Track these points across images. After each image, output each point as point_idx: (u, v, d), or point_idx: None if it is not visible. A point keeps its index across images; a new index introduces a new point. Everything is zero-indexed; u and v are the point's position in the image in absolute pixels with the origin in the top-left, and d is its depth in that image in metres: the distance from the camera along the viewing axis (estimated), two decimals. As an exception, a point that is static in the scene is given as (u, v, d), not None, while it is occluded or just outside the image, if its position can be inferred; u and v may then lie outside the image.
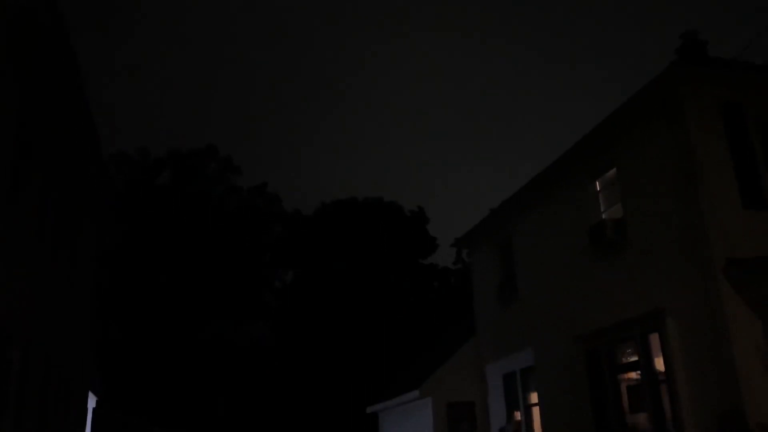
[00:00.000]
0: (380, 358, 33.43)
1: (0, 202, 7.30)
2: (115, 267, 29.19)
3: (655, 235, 10.57)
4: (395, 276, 37.99)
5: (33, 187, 8.88)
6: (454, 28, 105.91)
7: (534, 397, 14.32)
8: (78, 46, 8.82)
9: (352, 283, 36.43)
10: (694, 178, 9.78)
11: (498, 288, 15.96)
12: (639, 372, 10.89)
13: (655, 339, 10.36)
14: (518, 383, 14.88)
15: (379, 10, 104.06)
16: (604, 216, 12.11)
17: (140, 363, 29.53)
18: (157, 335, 30.80)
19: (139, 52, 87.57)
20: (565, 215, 13.08)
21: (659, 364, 10.31)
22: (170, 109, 79.63)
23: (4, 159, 7.41)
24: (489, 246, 16.60)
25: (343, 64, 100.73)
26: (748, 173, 9.97)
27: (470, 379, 16.76)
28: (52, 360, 10.39)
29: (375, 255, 37.91)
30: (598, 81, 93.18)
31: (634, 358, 10.99)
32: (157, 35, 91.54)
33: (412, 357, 27.14)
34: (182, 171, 37.55)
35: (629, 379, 11.38)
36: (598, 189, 12.41)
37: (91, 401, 16.15)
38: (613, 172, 11.85)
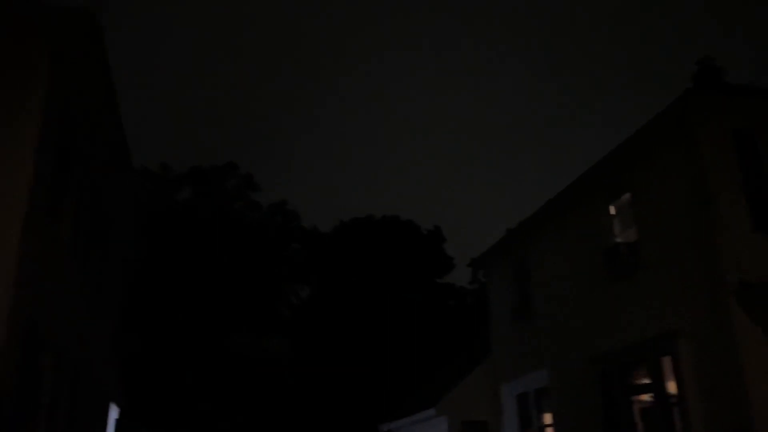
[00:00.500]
0: (394, 376, 33.53)
1: (39, 213, 7.75)
2: (136, 279, 29.74)
3: (668, 258, 10.76)
4: (411, 294, 38.17)
5: (70, 199, 9.35)
6: (480, 51, 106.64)
7: (548, 418, 14.44)
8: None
9: (368, 301, 36.67)
10: (707, 203, 9.99)
11: (513, 308, 16.15)
12: (652, 394, 11.04)
13: (667, 361, 10.51)
14: (532, 403, 15.01)
15: (401, 31, 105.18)
16: (618, 239, 12.32)
17: (160, 375, 29.93)
18: (177, 348, 31.22)
19: (162, 70, 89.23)
20: (581, 237, 13.30)
21: (672, 386, 10.45)
22: (192, 125, 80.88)
23: (45, 172, 7.89)
24: (505, 267, 16.81)
25: (366, 85, 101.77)
26: (759, 198, 10.16)
27: (485, 399, 16.91)
28: (80, 369, 10.77)
29: (391, 273, 38.15)
30: (619, 101, 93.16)
31: (647, 381, 11.13)
32: (180, 55, 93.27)
33: (426, 376, 27.26)
34: (203, 187, 38.23)
35: (642, 401, 11.52)
36: (613, 212, 12.63)
37: (113, 412, 16.51)
38: (627, 196, 12.08)
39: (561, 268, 14.07)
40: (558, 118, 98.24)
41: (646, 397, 11.40)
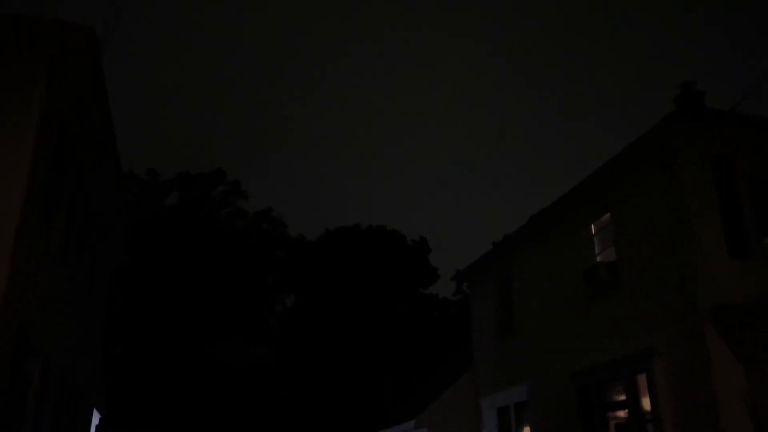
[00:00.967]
0: (378, 386, 33.66)
1: (33, 220, 7.89)
2: (120, 284, 29.70)
3: (646, 278, 11.07)
4: (395, 304, 38.37)
5: (63, 207, 9.49)
6: (461, 63, 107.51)
7: (527, 432, 14.69)
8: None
9: (352, 310, 36.81)
10: (684, 226, 10.31)
11: (496, 322, 16.41)
12: (627, 411, 11.31)
13: (642, 379, 10.80)
14: (512, 417, 15.24)
15: (380, 41, 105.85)
16: (598, 258, 12.63)
17: (143, 381, 29.85)
18: (160, 354, 31.17)
19: (150, 74, 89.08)
20: (562, 255, 13.60)
21: (646, 403, 10.73)
22: (180, 132, 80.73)
23: (41, 180, 8.04)
24: (489, 281, 17.08)
25: (351, 94, 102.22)
26: (734, 223, 10.49)
27: (466, 411, 17.09)
28: (66, 375, 10.86)
29: (376, 282, 38.34)
30: (607, 118, 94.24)
31: (623, 397, 11.41)
32: (170, 61, 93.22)
33: (409, 386, 27.43)
34: (190, 193, 38.29)
35: (618, 417, 11.79)
36: (594, 232, 12.95)
37: (95, 418, 16.53)
38: (607, 216, 12.40)
39: (543, 284, 14.35)
40: (547, 128, 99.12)
41: (622, 414, 11.68)
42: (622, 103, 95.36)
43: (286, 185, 78.66)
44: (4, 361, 7.31)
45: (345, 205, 77.51)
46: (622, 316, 11.48)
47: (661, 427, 10.21)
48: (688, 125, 10.98)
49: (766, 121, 11.48)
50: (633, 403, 11.01)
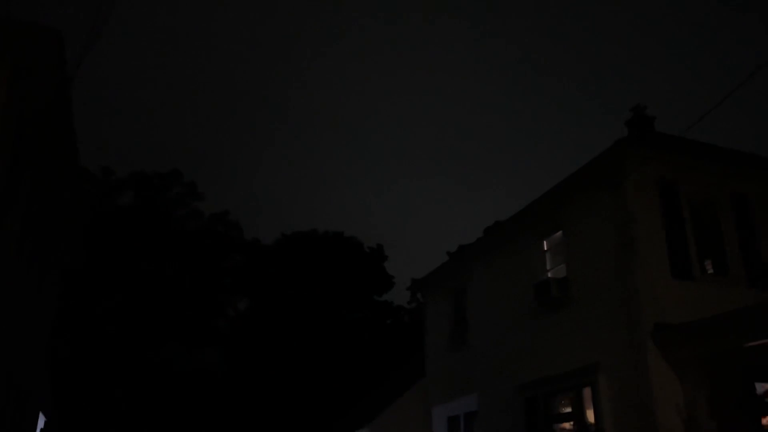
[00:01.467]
0: (330, 393, 33.65)
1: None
2: (68, 284, 29.01)
3: (593, 296, 11.50)
4: (350, 310, 38.46)
5: (19, 206, 9.35)
6: (427, 71, 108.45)
7: (476, 441, 14.99)
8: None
9: (306, 315, 36.73)
10: (630, 248, 10.76)
11: (449, 333, 16.70)
12: (573, 423, 11.72)
13: (588, 393, 11.21)
14: (462, 427, 15.53)
15: (352, 47, 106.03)
16: (549, 274, 13.04)
17: (90, 383, 29.19)
18: (108, 356, 30.52)
19: (113, 70, 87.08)
20: (515, 270, 13.97)
21: (591, 415, 11.15)
22: (135, 131, 79.19)
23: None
24: (443, 291, 17.37)
25: (313, 98, 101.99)
26: (678, 246, 11.01)
27: (418, 419, 17.34)
28: (13, 378, 10.66)
29: (331, 288, 38.37)
30: (570, 128, 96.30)
31: (569, 410, 11.81)
32: (134, 59, 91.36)
33: (362, 392, 27.54)
34: (145, 192, 37.63)
35: (564, 429, 12.19)
36: (546, 248, 13.37)
37: (41, 421, 16.16)
38: (559, 234, 12.83)
39: (496, 297, 14.70)
40: (511, 140, 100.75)
41: (567, 426, 12.07)
42: (578, 122, 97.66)
43: (244, 189, 77.92)
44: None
45: (302, 211, 77.28)
46: (571, 331, 11.88)
47: (604, 439, 10.61)
48: (634, 150, 11.45)
49: (711, 147, 12.10)
50: (578, 415, 11.41)
